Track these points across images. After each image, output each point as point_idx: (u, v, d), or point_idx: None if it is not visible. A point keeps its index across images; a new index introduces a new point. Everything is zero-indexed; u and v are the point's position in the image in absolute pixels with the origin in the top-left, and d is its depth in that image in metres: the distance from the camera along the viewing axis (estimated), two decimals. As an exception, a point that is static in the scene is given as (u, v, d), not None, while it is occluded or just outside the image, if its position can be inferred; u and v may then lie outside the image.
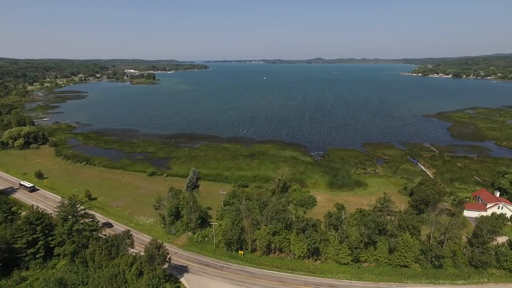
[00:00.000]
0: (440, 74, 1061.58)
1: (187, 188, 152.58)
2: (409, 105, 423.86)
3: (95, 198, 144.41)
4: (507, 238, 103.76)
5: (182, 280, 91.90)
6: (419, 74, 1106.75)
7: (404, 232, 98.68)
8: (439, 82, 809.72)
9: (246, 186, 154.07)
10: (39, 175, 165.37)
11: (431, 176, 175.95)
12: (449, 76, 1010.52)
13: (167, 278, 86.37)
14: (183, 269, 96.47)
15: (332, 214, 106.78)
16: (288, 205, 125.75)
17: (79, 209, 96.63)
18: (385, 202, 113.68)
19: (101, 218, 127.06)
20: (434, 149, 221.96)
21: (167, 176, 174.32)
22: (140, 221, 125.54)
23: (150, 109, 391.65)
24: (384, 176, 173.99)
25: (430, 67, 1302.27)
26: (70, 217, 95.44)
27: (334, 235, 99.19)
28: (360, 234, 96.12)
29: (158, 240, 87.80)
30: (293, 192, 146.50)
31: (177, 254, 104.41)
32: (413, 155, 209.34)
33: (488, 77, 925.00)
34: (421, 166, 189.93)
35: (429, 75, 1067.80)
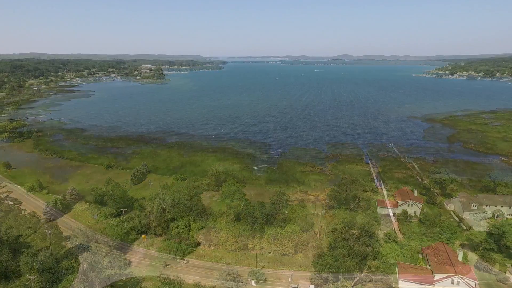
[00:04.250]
0: (454, 75, 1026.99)
1: (131, 180, 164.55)
2: (400, 107, 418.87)
3: (47, 187, 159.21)
4: (383, 232, 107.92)
5: (80, 257, 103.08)
6: (433, 76, 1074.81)
7: (290, 223, 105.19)
8: (450, 84, 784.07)
9: (185, 179, 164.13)
10: (7, 166, 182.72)
11: (374, 175, 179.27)
12: (464, 78, 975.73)
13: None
14: (86, 249, 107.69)
15: (231, 205, 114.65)
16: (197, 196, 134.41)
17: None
18: (279, 195, 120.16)
19: (42, 204, 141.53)
20: (396, 150, 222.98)
21: (122, 169, 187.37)
22: (75, 207, 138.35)
23: (142, 108, 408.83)
24: (326, 174, 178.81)
25: (463, 64, 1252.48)
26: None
27: (224, 223, 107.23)
28: (246, 224, 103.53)
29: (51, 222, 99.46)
30: (226, 186, 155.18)
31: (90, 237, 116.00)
32: (370, 155, 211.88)
33: (505, 79, 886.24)
34: (371, 166, 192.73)
35: (442, 77, 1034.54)
